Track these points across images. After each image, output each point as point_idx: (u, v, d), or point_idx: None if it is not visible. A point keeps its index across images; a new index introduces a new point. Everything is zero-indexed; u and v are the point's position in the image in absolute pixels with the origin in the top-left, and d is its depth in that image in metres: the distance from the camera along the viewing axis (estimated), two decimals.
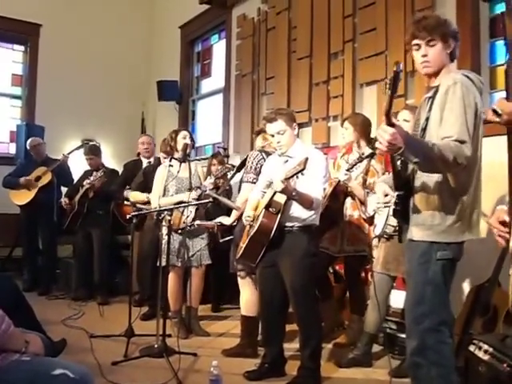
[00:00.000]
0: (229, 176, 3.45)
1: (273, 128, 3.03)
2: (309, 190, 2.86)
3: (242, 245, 3.03)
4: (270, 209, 2.87)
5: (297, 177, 2.72)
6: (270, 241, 2.88)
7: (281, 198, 2.84)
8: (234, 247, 3.53)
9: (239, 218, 3.48)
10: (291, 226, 2.92)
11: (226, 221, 3.61)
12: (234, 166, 4.12)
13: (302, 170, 2.63)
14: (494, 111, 1.62)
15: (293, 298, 2.95)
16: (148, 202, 4.34)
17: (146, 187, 4.56)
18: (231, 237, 3.65)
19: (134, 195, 4.64)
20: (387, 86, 1.86)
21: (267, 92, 5.65)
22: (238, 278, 3.54)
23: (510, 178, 1.62)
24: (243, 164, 3.59)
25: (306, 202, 2.85)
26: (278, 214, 2.85)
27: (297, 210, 2.90)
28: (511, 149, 1.60)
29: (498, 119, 1.61)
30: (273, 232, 2.86)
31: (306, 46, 5.10)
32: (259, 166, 3.37)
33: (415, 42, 2.17)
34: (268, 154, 3.45)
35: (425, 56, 2.16)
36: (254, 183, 3.35)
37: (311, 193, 2.86)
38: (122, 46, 7.66)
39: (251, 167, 3.41)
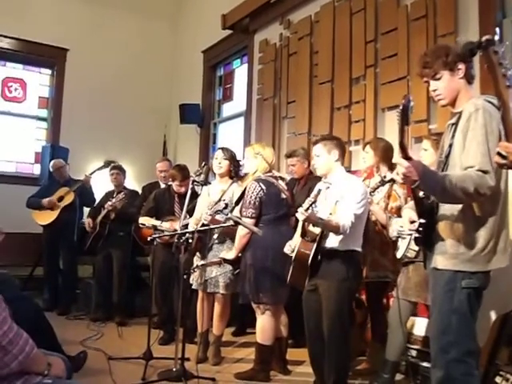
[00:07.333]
0: (227, 210, 3.46)
1: (313, 150, 3.18)
2: (339, 215, 2.90)
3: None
4: (306, 238, 2.97)
5: (315, 205, 2.87)
6: (309, 267, 2.92)
7: (316, 228, 2.93)
8: (241, 280, 3.53)
9: (243, 250, 3.50)
10: (331, 251, 2.94)
11: (229, 255, 3.60)
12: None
13: (314, 202, 2.85)
14: (499, 154, 1.61)
15: (326, 322, 2.92)
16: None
17: (157, 212, 4.58)
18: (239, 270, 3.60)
19: (145, 220, 4.48)
20: (397, 118, 1.87)
21: (288, 116, 5.67)
22: (253, 305, 3.52)
23: None
24: (243, 195, 3.57)
25: (332, 228, 2.88)
26: (313, 243, 2.92)
27: (334, 235, 2.93)
28: None
29: (504, 161, 1.61)
30: (310, 259, 2.90)
31: (328, 71, 5.13)
32: (258, 199, 3.45)
33: (424, 79, 2.23)
34: (267, 182, 3.50)
35: (435, 90, 2.20)
36: (254, 218, 3.44)
37: (340, 218, 2.87)
38: (146, 70, 7.81)
39: (250, 202, 3.45)
